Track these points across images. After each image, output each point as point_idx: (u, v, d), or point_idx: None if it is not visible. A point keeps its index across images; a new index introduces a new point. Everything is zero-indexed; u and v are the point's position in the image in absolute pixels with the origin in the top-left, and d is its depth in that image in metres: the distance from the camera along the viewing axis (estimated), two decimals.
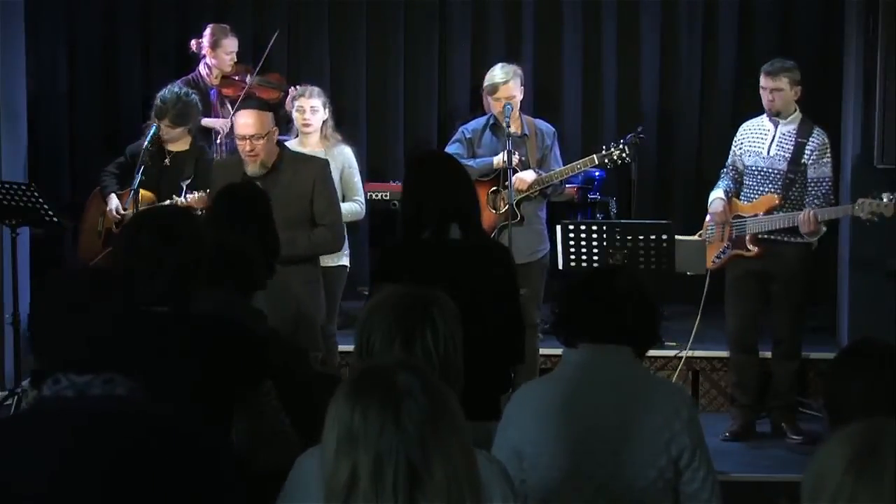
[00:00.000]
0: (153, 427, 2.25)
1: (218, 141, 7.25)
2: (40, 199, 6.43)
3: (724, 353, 6.63)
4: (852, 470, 1.64)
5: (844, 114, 7.32)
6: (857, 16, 7.08)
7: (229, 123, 7.25)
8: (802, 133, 6.16)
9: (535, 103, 7.94)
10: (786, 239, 6.13)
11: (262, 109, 5.48)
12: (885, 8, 6.69)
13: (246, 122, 5.37)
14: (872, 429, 1.68)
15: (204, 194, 6.11)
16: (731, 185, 6.31)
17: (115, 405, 2.24)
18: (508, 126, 6.20)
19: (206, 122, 7.23)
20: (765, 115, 6.27)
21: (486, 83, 6.41)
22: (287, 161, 5.46)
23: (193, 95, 6.64)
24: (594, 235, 5.68)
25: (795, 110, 6.21)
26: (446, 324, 2.53)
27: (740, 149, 6.31)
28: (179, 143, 6.57)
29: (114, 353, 2.27)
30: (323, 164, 5.61)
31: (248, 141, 5.33)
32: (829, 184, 6.17)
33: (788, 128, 6.19)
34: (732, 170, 6.35)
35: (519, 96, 6.33)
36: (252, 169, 5.35)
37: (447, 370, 2.49)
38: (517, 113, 6.35)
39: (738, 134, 6.40)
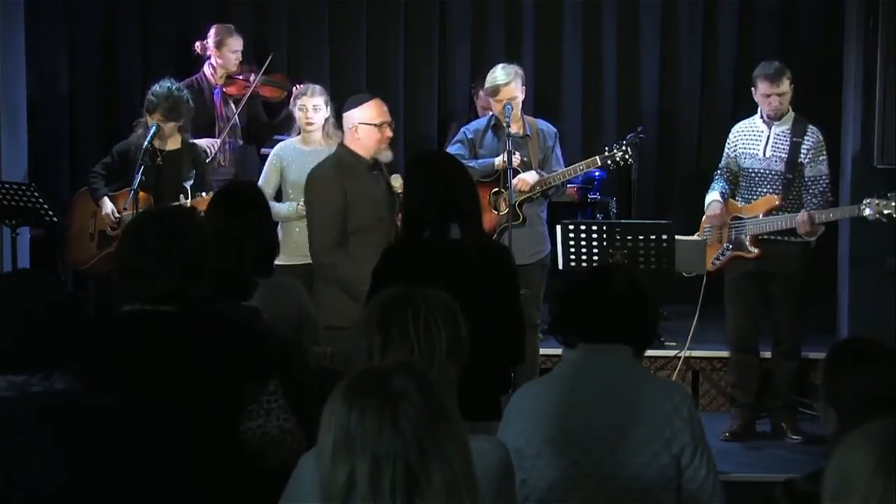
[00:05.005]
0: (97, 413, 2.32)
1: (221, 132, 7.12)
2: (40, 199, 6.43)
3: (724, 353, 6.62)
4: (881, 470, 1.61)
5: (844, 114, 7.32)
6: (857, 16, 7.08)
7: (217, 144, 7.07)
8: (797, 133, 6.15)
9: (535, 103, 7.94)
10: (785, 239, 6.12)
11: None
12: (885, 8, 6.69)
13: (383, 108, 5.35)
14: (893, 427, 1.66)
15: (208, 196, 6.04)
16: (727, 187, 6.28)
17: (59, 398, 2.32)
18: (509, 126, 6.19)
19: (200, 142, 6.88)
20: (757, 116, 6.26)
21: (486, 85, 6.38)
22: None
23: (185, 92, 6.53)
24: (594, 235, 5.67)
25: (789, 110, 6.21)
26: (429, 309, 2.48)
27: (735, 151, 6.29)
28: (170, 141, 6.48)
29: (42, 352, 2.33)
30: None
31: (388, 126, 5.32)
32: (827, 181, 6.17)
33: (782, 128, 6.18)
34: (727, 171, 6.33)
35: (520, 97, 6.31)
36: (388, 154, 5.34)
37: (431, 356, 2.44)
38: (518, 113, 6.32)
39: (731, 136, 6.37)
